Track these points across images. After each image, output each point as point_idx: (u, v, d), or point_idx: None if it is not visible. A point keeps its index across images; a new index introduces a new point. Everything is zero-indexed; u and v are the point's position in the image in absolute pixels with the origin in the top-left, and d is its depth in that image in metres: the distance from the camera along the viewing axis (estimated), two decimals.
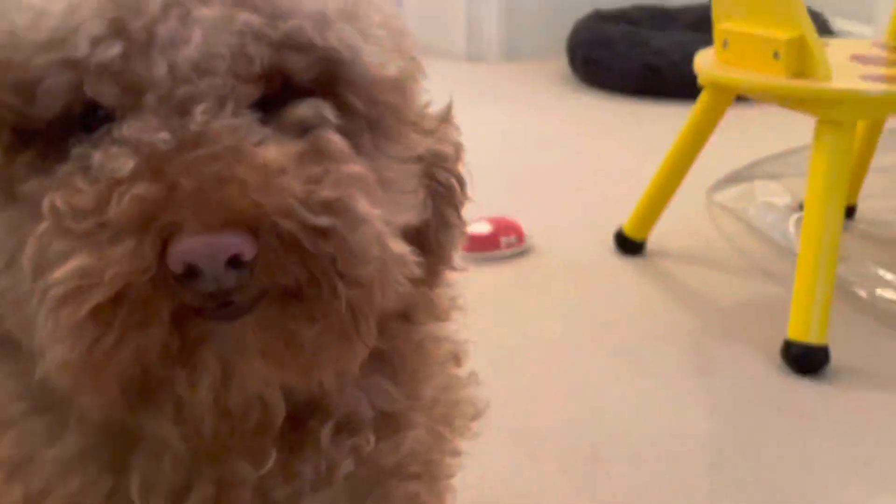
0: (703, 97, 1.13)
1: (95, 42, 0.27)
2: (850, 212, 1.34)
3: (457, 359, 0.44)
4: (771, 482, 0.78)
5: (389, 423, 0.39)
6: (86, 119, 0.29)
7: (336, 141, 0.30)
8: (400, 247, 0.31)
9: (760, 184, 1.44)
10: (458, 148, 0.41)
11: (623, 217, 1.27)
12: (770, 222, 1.30)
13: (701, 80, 1.11)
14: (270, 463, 0.34)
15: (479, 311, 1.13)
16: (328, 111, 0.30)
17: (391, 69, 0.33)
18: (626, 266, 1.24)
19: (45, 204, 0.27)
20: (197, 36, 0.27)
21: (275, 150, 0.28)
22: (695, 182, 1.38)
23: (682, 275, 1.21)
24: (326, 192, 0.28)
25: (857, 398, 0.90)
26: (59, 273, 0.25)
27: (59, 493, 0.34)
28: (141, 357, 0.27)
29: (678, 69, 1.85)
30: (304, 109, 0.30)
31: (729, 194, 1.44)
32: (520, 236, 1.28)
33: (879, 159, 1.39)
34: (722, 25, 1.05)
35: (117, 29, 0.27)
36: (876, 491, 0.77)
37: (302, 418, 0.35)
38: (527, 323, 1.08)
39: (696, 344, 1.02)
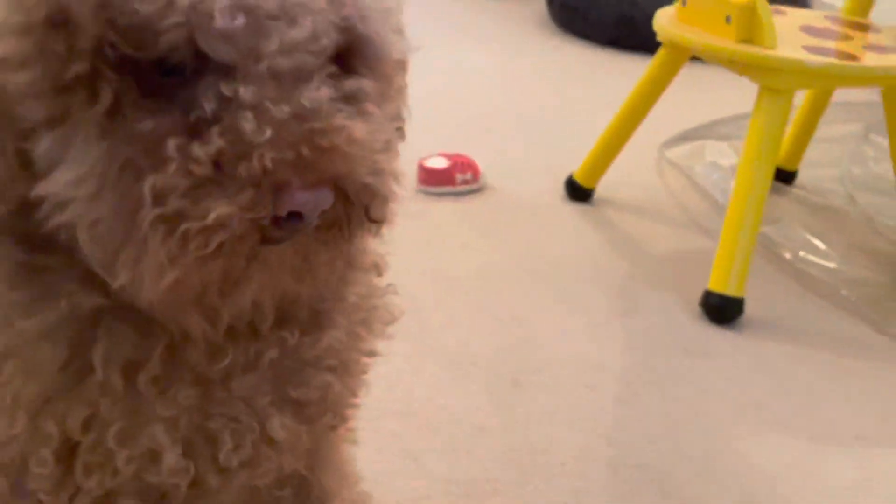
0: (660, 53, 1.18)
1: (225, 12, 0.32)
2: (789, 177, 1.40)
3: (378, 268, 0.49)
4: (671, 414, 0.86)
5: (314, 322, 0.44)
6: (185, 67, 0.33)
7: (377, 112, 0.38)
8: (397, 192, 0.40)
9: (710, 144, 1.50)
10: (406, 95, 0.47)
11: (576, 164, 1.32)
12: (713, 181, 1.36)
13: (659, 37, 1.15)
14: (226, 362, 0.40)
15: (430, 242, 1.19)
16: (369, 87, 0.38)
17: (398, 52, 0.41)
18: (572, 211, 1.30)
19: (173, 146, 0.32)
20: (306, 21, 0.33)
21: (361, 128, 0.35)
22: (649, 137, 1.43)
23: (624, 224, 1.27)
24: (381, 162, 0.36)
25: (763, 348, 0.98)
26: (211, 216, 0.31)
27: (23, 355, 0.38)
28: (224, 275, 0.34)
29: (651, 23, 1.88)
30: (353, 84, 0.37)
31: (680, 151, 1.50)
32: (475, 174, 1.33)
33: (826, 130, 1.46)
34: None
35: (241, 2, 0.32)
36: (761, 429, 0.85)
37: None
38: (472, 256, 1.14)
39: (624, 288, 1.09)
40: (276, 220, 0.33)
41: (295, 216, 0.33)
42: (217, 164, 0.32)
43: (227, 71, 0.33)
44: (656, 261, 1.17)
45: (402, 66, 0.43)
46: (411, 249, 1.14)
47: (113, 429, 0.39)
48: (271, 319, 0.41)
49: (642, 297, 1.06)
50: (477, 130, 1.59)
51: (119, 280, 0.34)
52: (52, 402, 0.39)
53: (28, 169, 0.34)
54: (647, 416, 0.85)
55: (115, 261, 0.33)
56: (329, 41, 0.35)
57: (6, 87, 0.32)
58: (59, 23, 0.31)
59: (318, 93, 0.34)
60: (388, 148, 0.38)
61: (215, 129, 0.32)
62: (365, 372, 0.51)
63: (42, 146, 0.33)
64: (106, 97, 0.32)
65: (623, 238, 1.23)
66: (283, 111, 0.33)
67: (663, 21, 1.12)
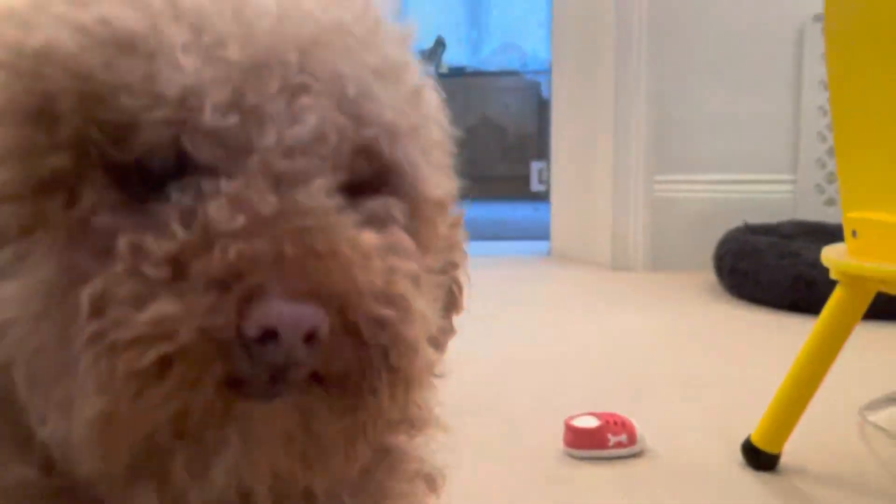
0: (838, 292, 1.03)
1: (217, 110, 0.27)
2: None
3: (431, 482, 0.38)
4: None
5: None
6: (167, 166, 0.29)
7: (406, 239, 0.31)
8: (430, 351, 0.31)
9: None
10: (463, 255, 0.40)
11: (752, 426, 1.13)
12: None
13: (833, 274, 1.02)
14: None
15: None
16: (397, 211, 0.32)
17: (439, 190, 0.34)
18: (754, 481, 1.08)
19: (123, 243, 0.26)
20: (311, 119, 0.29)
21: (369, 237, 0.28)
22: (846, 398, 1.23)
23: (823, 498, 1.03)
24: (399, 286, 0.28)
25: None
26: (143, 316, 0.25)
27: None
28: (173, 421, 0.25)
29: (835, 283, 1.72)
30: (379, 204, 0.31)
31: (888, 415, 1.25)
32: (631, 435, 1.17)
33: None
34: (851, 214, 0.98)
35: (237, 100, 0.28)
36: None
37: None
38: None
39: None
40: (246, 344, 0.25)
41: (270, 339, 0.24)
42: (178, 265, 0.25)
43: (209, 169, 0.28)
44: None
45: (441, 205, 0.36)
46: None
47: None
48: None
49: None
50: (633, 391, 1.45)
51: (48, 426, 0.26)
52: None
53: None
54: None
55: (49, 401, 0.26)
56: (337, 140, 0.29)
57: None
58: (44, 111, 0.27)
59: (319, 193, 0.28)
60: (418, 284, 0.30)
61: (176, 219, 0.26)
62: None
63: (1, 259, 0.28)
64: (87, 199, 0.27)
65: None
66: (267, 203, 0.26)
67: (834, 255, 1.00)
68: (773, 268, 2.01)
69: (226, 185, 0.27)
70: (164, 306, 0.24)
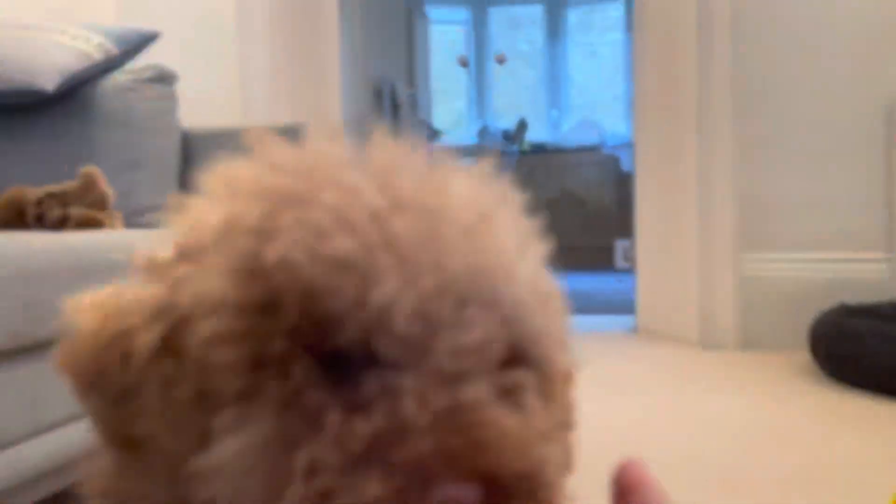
0: None
1: (405, 319, 0.34)
2: None
3: None
4: None
5: None
6: (353, 357, 0.36)
7: (538, 408, 0.38)
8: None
9: None
10: (576, 416, 0.46)
11: None
12: None
13: None
14: None
15: None
16: (529, 381, 0.38)
17: (564, 364, 0.42)
18: None
19: (333, 419, 0.33)
20: (477, 331, 0.36)
21: (515, 421, 0.35)
22: None
23: None
24: (539, 453, 0.35)
25: None
26: (368, 493, 0.31)
27: None
28: None
29: None
30: (511, 378, 0.38)
31: None
32: None
33: None
34: None
35: (421, 311, 0.35)
36: None
37: None
38: None
39: None
40: None
41: None
42: (374, 445, 0.32)
43: (394, 364, 0.35)
44: None
45: (565, 375, 0.43)
46: None
47: None
48: None
49: None
50: (730, 487, 1.41)
51: None
52: None
53: (201, 444, 0.35)
54: None
55: None
56: (496, 352, 0.36)
57: (209, 361, 0.35)
58: (269, 305, 0.35)
59: (477, 390, 0.35)
60: (549, 438, 0.37)
61: (376, 408, 0.33)
62: None
63: (223, 420, 0.35)
64: (296, 376, 0.34)
65: None
66: (441, 401, 0.33)
67: None
68: (874, 353, 1.95)
69: (409, 382, 0.34)
70: (373, 486, 0.31)
